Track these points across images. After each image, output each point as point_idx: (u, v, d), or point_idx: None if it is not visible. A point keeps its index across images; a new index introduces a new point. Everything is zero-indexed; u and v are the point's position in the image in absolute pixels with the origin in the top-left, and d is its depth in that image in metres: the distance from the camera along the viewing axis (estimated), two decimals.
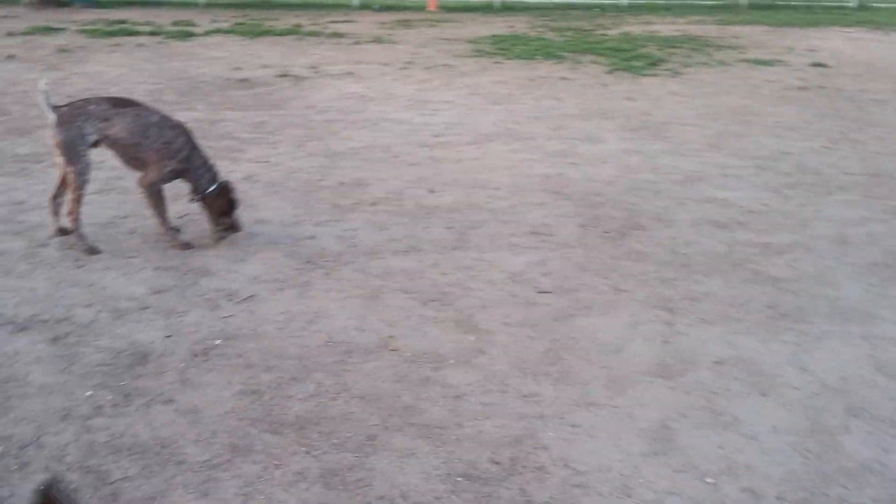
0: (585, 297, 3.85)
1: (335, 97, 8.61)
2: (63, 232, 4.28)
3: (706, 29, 16.75)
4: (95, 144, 4.14)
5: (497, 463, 2.60)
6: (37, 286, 3.73)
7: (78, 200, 4.11)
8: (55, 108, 4.03)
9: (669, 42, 14.28)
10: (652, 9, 21.30)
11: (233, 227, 4.30)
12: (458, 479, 2.52)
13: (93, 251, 4.12)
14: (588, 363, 3.24)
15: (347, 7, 19.50)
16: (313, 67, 10.54)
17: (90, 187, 5.16)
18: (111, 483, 2.43)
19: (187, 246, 4.23)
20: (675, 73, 10.90)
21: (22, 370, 3.02)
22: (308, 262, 4.16)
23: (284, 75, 9.83)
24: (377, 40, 13.53)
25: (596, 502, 2.43)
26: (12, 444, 2.58)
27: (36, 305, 3.54)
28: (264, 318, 3.53)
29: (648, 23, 17.75)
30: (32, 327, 3.35)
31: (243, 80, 9.44)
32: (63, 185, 4.19)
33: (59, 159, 4.08)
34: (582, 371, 3.18)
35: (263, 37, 13.65)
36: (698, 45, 14.00)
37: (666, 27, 16.87)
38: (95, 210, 4.79)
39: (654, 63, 11.69)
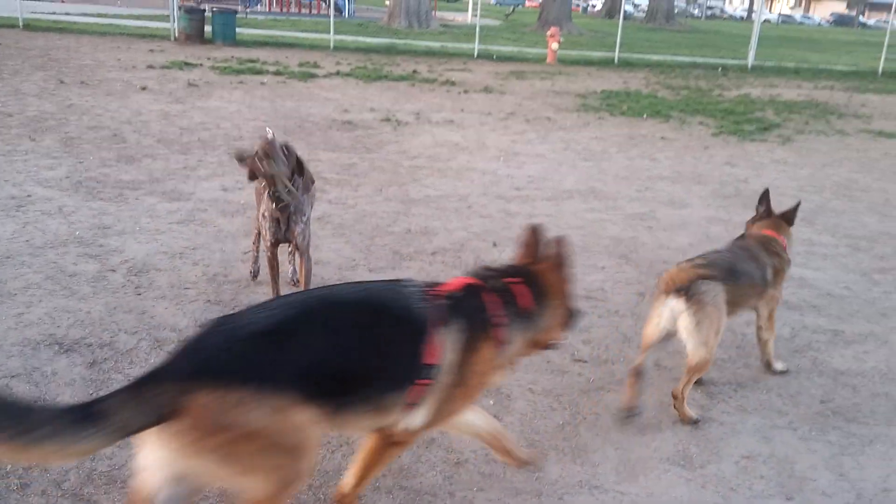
0: (621, 370, 3.69)
1: (429, 144, 8.78)
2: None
3: (833, 95, 16.02)
4: None
5: None
6: (92, 309, 3.96)
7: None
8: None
9: (789, 107, 13.74)
10: (779, 72, 20.61)
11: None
12: None
13: None
14: (605, 442, 3.10)
15: (468, 56, 19.96)
16: (417, 114, 10.81)
17: (176, 216, 5.49)
18: None
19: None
20: (786, 140, 10.44)
21: (53, 391, 3.20)
22: None
23: (387, 120, 10.14)
24: (486, 90, 13.75)
25: None
26: (18, 465, 2.72)
27: (86, 328, 3.76)
28: None
29: (772, 86, 17.17)
30: (76, 350, 3.55)
31: (347, 122, 9.80)
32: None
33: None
34: (596, 450, 3.04)
35: (379, 81, 14.15)
36: (820, 111, 13.39)
37: (790, 91, 16.26)
38: (170, 239, 5.06)
39: (766, 128, 11.26)
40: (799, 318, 4.46)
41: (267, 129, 4.23)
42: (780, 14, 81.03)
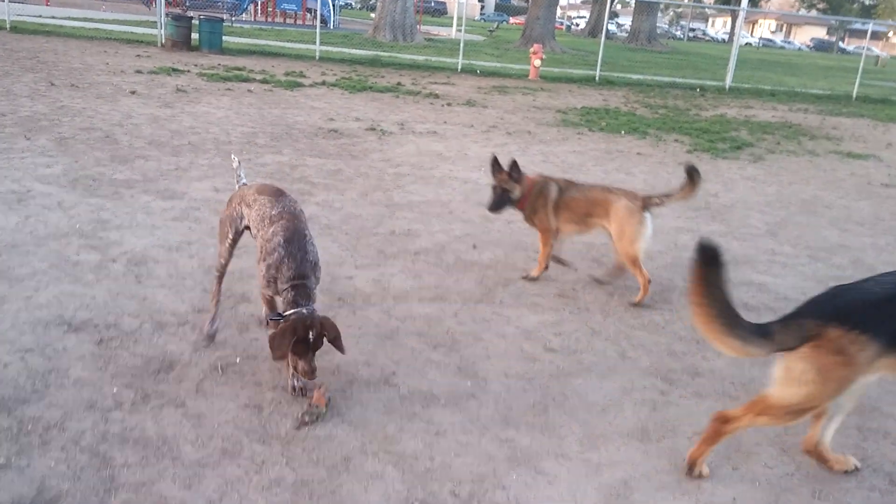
0: (589, 359, 4.01)
1: (412, 153, 9.09)
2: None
3: (807, 118, 16.56)
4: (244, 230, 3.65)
5: (455, 495, 2.80)
6: (97, 295, 4.22)
7: (217, 283, 3.82)
8: (240, 184, 3.87)
9: (763, 127, 14.22)
10: (756, 93, 21.20)
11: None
12: (416, 503, 2.73)
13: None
14: (571, 419, 3.40)
15: (451, 70, 20.35)
16: (401, 124, 11.13)
17: (171, 213, 5.75)
18: (112, 467, 2.78)
19: (304, 391, 3.36)
20: (758, 159, 10.88)
21: (65, 364, 3.46)
22: (339, 299, 4.51)
23: (372, 129, 10.44)
24: (469, 103, 14.11)
25: None
26: (39, 425, 2.98)
27: (92, 311, 4.01)
28: None
29: (748, 107, 17.70)
30: (84, 330, 3.81)
31: (333, 131, 10.09)
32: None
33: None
34: (563, 425, 3.34)
35: (364, 92, 14.47)
36: (792, 133, 13.88)
37: (765, 112, 16.79)
38: (167, 234, 5.32)
39: (739, 147, 11.70)
40: (756, 317, 4.78)
41: (232, 155, 4.27)
42: (761, 38, 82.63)
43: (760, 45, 74.74)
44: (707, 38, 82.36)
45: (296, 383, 3.36)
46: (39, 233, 5.08)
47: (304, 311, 3.11)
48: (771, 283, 5.52)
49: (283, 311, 3.15)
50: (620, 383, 3.78)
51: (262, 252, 3.32)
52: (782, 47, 77.61)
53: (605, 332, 4.38)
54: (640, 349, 4.20)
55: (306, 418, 3.18)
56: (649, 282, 4.87)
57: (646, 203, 4.84)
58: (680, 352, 4.20)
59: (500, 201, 4.96)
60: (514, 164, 4.92)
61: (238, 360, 3.63)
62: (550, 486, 2.91)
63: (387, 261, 5.26)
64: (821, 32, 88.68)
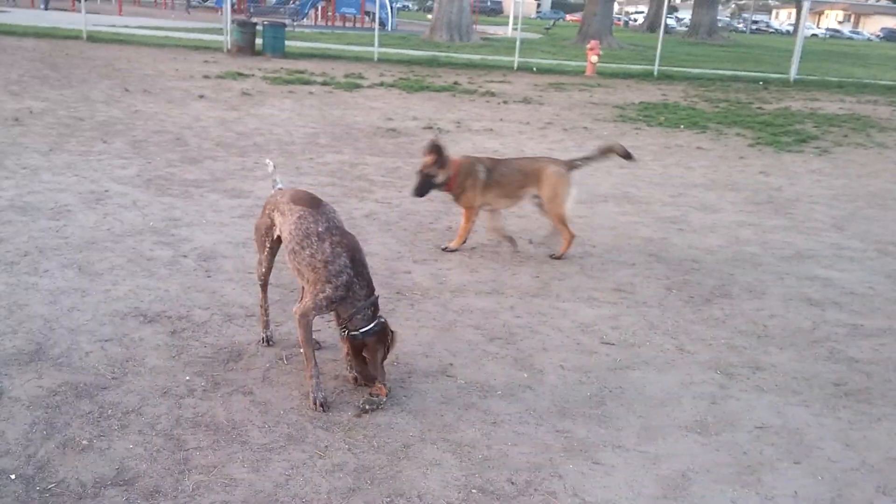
0: (647, 352, 4.01)
1: (469, 151, 9.14)
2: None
3: (877, 110, 16.05)
4: (279, 239, 3.57)
5: (513, 483, 2.86)
6: (170, 288, 4.42)
7: (262, 291, 3.80)
8: (276, 189, 3.78)
9: (830, 120, 13.84)
10: (822, 85, 20.62)
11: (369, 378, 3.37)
12: (473, 490, 2.80)
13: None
14: (628, 411, 3.42)
15: (507, 68, 20.36)
16: (458, 122, 11.22)
17: (238, 211, 5.96)
18: (185, 449, 2.93)
19: (325, 406, 3.27)
20: (823, 152, 10.61)
21: (141, 353, 3.64)
22: (398, 293, 4.61)
23: (429, 128, 10.56)
24: (525, 101, 14.11)
25: None
26: (118, 410, 3.16)
27: (165, 304, 4.21)
28: None
29: (814, 99, 17.25)
30: (158, 321, 4.00)
31: (391, 130, 10.24)
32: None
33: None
34: (620, 417, 3.36)
35: (421, 92, 14.62)
36: (861, 125, 13.48)
37: (832, 105, 16.33)
38: (234, 231, 5.51)
39: (804, 140, 11.43)
40: (820, 313, 4.72)
41: (267, 160, 4.18)
42: (827, 29, 79.99)
43: (827, 35, 72.35)
44: (771, 30, 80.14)
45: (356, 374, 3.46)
46: (116, 230, 5.33)
47: (383, 320, 3.27)
48: (837, 277, 5.41)
49: (361, 328, 3.23)
50: (678, 377, 3.77)
51: (313, 272, 3.22)
52: (850, 38, 74.91)
53: (662, 327, 4.37)
54: (698, 343, 4.18)
55: (366, 406, 3.28)
56: (573, 237, 5.39)
57: (570, 167, 5.32)
58: (740, 346, 4.17)
59: (423, 186, 5.06)
60: (439, 149, 4.97)
61: (302, 352, 3.75)
62: (607, 476, 2.94)
63: (444, 255, 5.34)
64: (891, 22, 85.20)
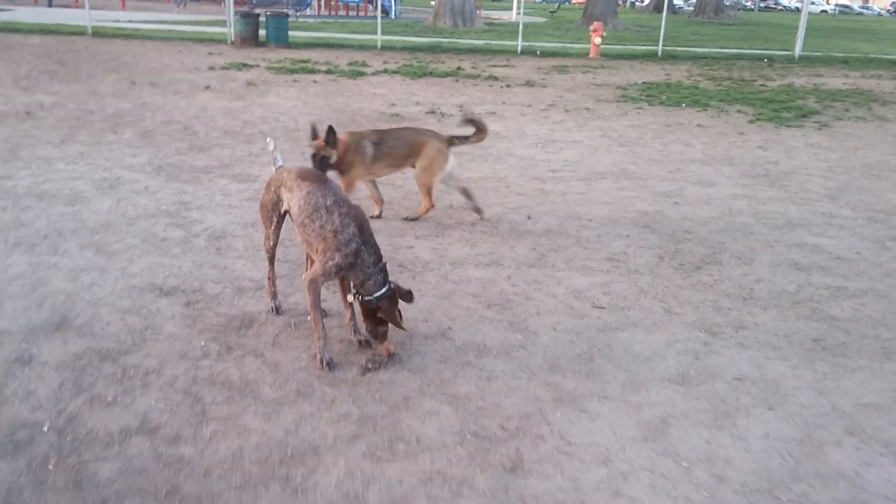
0: (636, 315, 4.23)
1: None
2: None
3: (880, 84, 16.10)
4: (286, 214, 3.84)
5: (504, 429, 3.09)
6: (183, 265, 4.67)
7: (269, 264, 4.05)
8: (277, 167, 4.02)
9: (832, 95, 13.93)
10: (827, 61, 20.62)
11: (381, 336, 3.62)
12: (468, 435, 3.03)
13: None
14: (615, 367, 3.64)
15: (511, 53, 20.48)
16: (460, 106, 11.41)
17: (246, 194, 6.19)
18: (203, 404, 3.18)
19: (331, 365, 3.51)
20: (823, 126, 10.74)
21: (159, 323, 3.89)
22: (400, 265, 4.84)
23: (432, 112, 10.76)
24: (528, 84, 14.27)
25: (576, 466, 2.86)
26: (139, 371, 3.41)
27: (179, 279, 4.46)
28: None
29: (818, 75, 17.30)
30: (174, 294, 4.25)
31: (395, 115, 10.45)
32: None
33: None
34: (607, 372, 3.59)
35: (425, 77, 14.79)
36: (863, 99, 13.57)
37: (835, 80, 16.38)
38: (242, 213, 5.76)
39: (804, 115, 11.56)
40: (806, 277, 4.92)
41: (268, 139, 4.33)
42: (836, 5, 79.29)
43: (836, 11, 71.77)
44: (779, 7, 79.43)
45: (360, 337, 3.71)
46: (130, 214, 5.59)
47: (393, 285, 3.53)
48: (825, 244, 5.59)
49: (373, 293, 3.47)
50: (665, 336, 3.99)
51: (323, 241, 3.45)
52: (860, 13, 74.26)
53: (652, 292, 4.58)
54: (686, 306, 4.39)
55: (369, 365, 3.52)
56: (433, 207, 5.74)
57: (450, 143, 5.68)
58: (726, 308, 4.38)
59: (321, 168, 5.13)
60: (331, 130, 5.12)
61: (310, 318, 3.99)
62: (592, 422, 3.17)
63: (445, 231, 5.56)
64: None
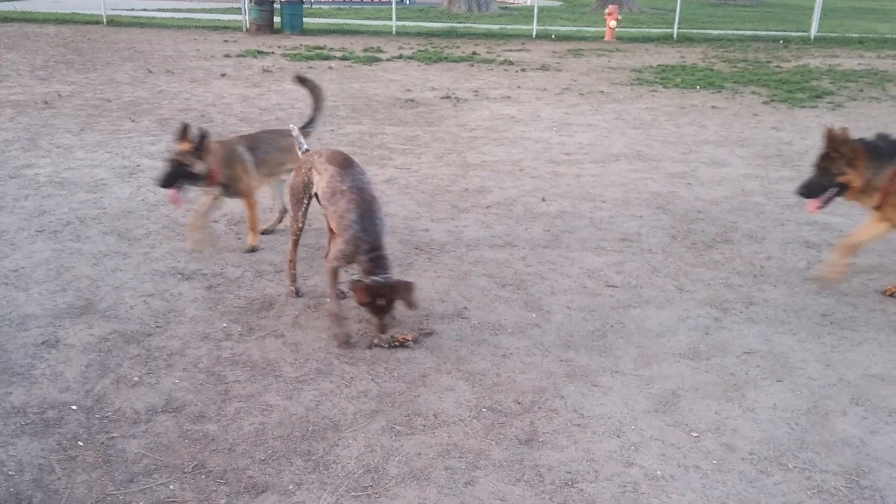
0: (648, 293, 4.29)
1: (486, 118, 9.40)
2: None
3: None
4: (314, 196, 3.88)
5: (519, 403, 3.18)
6: (203, 249, 4.77)
7: (292, 246, 4.09)
8: (303, 151, 4.10)
9: (847, 76, 13.82)
10: (843, 42, 20.41)
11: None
12: (483, 409, 3.12)
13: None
14: (628, 343, 3.71)
15: (526, 37, 20.43)
16: (475, 91, 11.44)
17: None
18: (226, 383, 3.29)
19: (347, 342, 3.64)
20: (837, 106, 10.68)
21: (181, 305, 4.01)
22: (416, 248, 4.92)
23: (447, 97, 10.80)
24: (543, 68, 14.26)
25: (588, 437, 2.95)
26: (164, 352, 3.52)
27: (200, 263, 4.57)
28: None
29: (833, 56, 17.14)
30: (195, 278, 4.36)
31: (410, 100, 10.50)
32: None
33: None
34: (619, 348, 3.66)
35: (440, 63, 14.81)
36: (878, 79, 13.45)
37: (851, 61, 16.23)
38: (259, 198, 5.84)
39: (819, 96, 11.49)
40: (816, 254, 4.96)
41: (290, 125, 4.37)
42: None
43: None
44: None
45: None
46: (150, 200, 5.71)
47: (380, 278, 3.42)
48: (836, 222, 5.61)
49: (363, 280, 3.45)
50: (676, 312, 4.05)
51: (339, 225, 3.55)
52: None
53: (664, 270, 4.64)
54: (698, 283, 4.45)
55: (375, 341, 3.60)
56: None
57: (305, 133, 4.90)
58: (737, 285, 4.43)
59: (173, 175, 4.22)
60: (204, 136, 4.25)
61: (328, 300, 4.09)
62: (604, 395, 3.24)
63: (460, 214, 5.64)
64: None
